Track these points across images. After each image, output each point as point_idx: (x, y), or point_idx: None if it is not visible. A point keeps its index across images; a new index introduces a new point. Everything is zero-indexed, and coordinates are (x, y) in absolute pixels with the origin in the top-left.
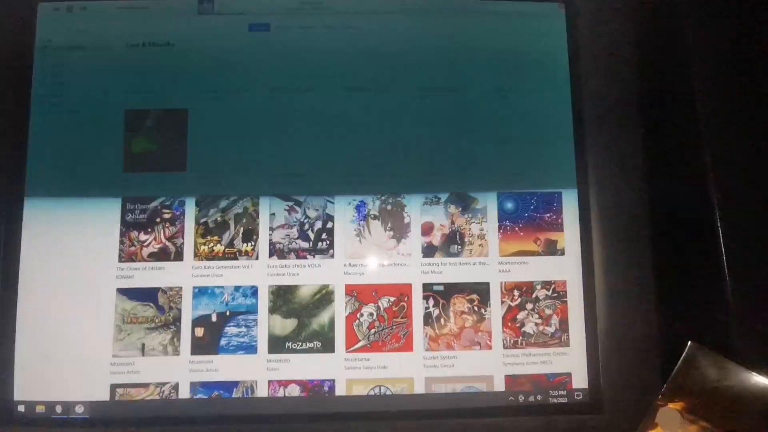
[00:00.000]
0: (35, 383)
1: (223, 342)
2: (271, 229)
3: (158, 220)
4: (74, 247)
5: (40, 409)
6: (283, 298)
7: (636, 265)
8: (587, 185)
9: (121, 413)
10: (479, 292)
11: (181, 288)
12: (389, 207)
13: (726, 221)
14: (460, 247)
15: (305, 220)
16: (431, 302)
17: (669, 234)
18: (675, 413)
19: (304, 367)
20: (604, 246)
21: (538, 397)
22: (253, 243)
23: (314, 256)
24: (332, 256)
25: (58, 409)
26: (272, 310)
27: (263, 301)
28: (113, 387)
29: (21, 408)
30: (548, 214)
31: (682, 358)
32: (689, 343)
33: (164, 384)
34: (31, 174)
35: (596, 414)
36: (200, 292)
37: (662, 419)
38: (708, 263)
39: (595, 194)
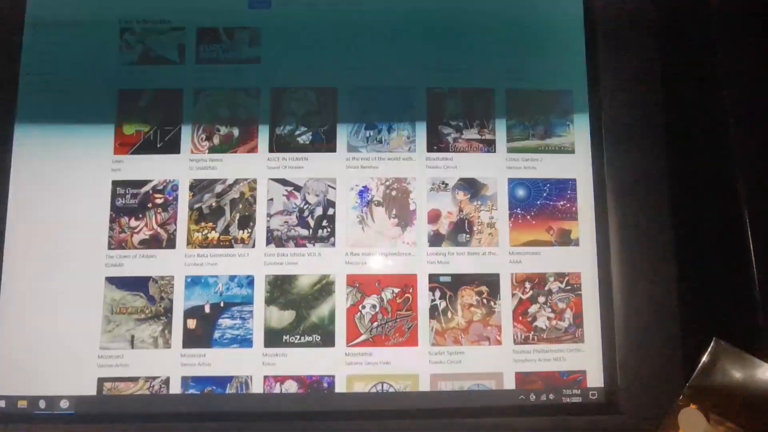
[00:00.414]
0: (17, 376)
1: (216, 335)
2: (269, 215)
3: (150, 205)
4: (62, 233)
5: (22, 404)
6: (280, 288)
7: (656, 257)
8: (599, 85)
9: (108, 408)
10: (489, 283)
11: (172, 277)
12: (393, 193)
13: (754, 214)
14: (468, 235)
15: (305, 206)
16: (437, 294)
17: (693, 225)
18: (698, 414)
19: (302, 362)
20: (621, 236)
21: (551, 396)
22: (249, 230)
23: (314, 245)
24: (333, 244)
25: (42, 404)
26: (269, 302)
27: (260, 292)
28: (101, 381)
29: (1, 403)
30: (561, 202)
31: (705, 355)
32: (713, 339)
33: (154, 378)
34: (18, 154)
35: (612, 414)
36: (193, 282)
37: (684, 420)
38: (734, 256)
39: (607, 97)
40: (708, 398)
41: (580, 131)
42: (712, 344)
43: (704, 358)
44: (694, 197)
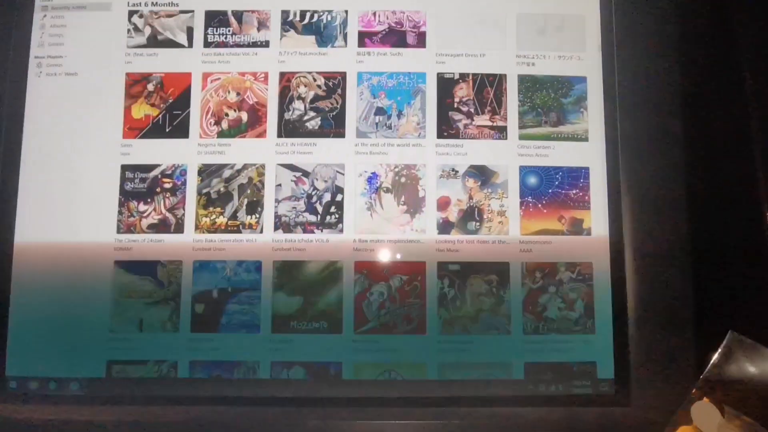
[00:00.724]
0: (29, 358)
1: (224, 320)
2: (277, 201)
3: (158, 189)
4: (71, 217)
5: (33, 385)
6: (288, 274)
7: (671, 248)
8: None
9: (116, 391)
10: (498, 272)
11: (181, 262)
12: (403, 180)
13: None
14: (478, 223)
15: (313, 192)
16: (446, 282)
17: (710, 216)
18: (712, 407)
19: (310, 348)
20: (634, 226)
21: (560, 387)
22: (257, 215)
23: (322, 231)
24: (341, 231)
25: (52, 385)
26: (277, 287)
27: (267, 278)
28: (109, 363)
29: (13, 384)
30: (574, 191)
31: (720, 348)
32: (729, 332)
33: (162, 362)
34: (28, 139)
35: (623, 407)
36: (201, 267)
37: (697, 414)
38: (753, 247)
39: (622, 84)
40: (722, 391)
41: (594, 118)
42: (727, 336)
43: (719, 351)
44: (711, 189)
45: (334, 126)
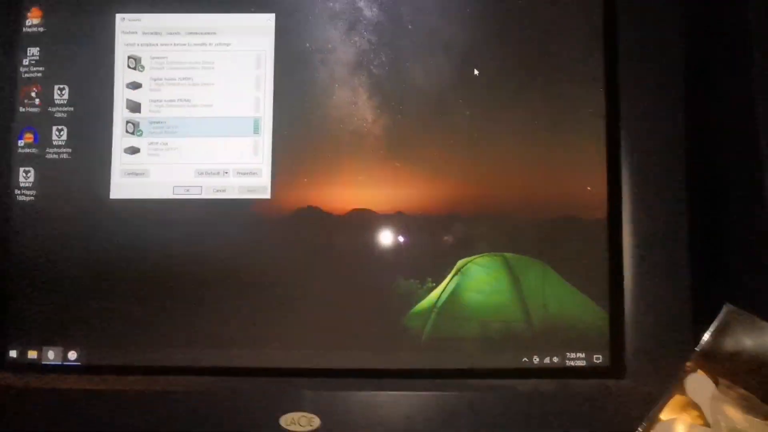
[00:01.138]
0: (28, 327)
1: None
2: None
3: None
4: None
5: (32, 354)
6: None
7: (669, 219)
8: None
9: (116, 361)
10: None
11: None
12: None
13: None
14: None
15: None
16: None
17: (707, 185)
18: (706, 379)
19: None
20: (633, 198)
21: (555, 360)
22: None
23: None
24: None
25: (51, 354)
26: None
27: None
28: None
29: (12, 354)
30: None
31: (716, 320)
32: (725, 304)
33: None
34: None
35: (618, 379)
36: None
37: (691, 386)
38: (752, 220)
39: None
40: (717, 364)
41: None
42: (723, 309)
43: (714, 323)
44: (712, 159)
45: None
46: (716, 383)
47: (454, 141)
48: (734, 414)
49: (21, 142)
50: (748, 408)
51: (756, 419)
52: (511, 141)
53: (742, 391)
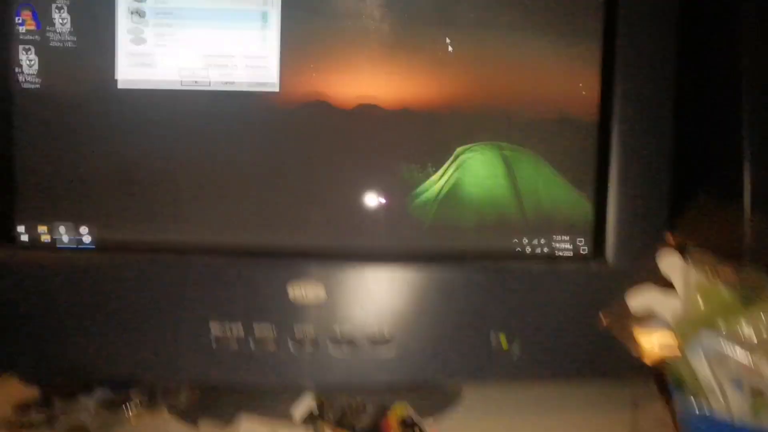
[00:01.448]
0: (39, 204)
1: None
2: None
3: None
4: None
5: (42, 229)
6: None
7: (654, 111)
8: None
9: (129, 240)
10: None
11: None
12: None
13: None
14: None
15: None
16: None
17: (694, 88)
18: (676, 254)
19: None
20: (622, 91)
21: (542, 241)
22: None
23: None
24: None
25: (62, 230)
26: None
27: None
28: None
29: (22, 231)
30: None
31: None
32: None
33: None
34: None
35: (599, 261)
36: None
37: (664, 263)
38: (726, 115)
39: None
40: (691, 239)
41: None
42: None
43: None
44: (698, 71)
45: None
46: (688, 257)
47: (458, 39)
48: (701, 274)
49: (23, 29)
50: (714, 264)
51: (723, 269)
52: (514, 39)
53: (712, 256)
